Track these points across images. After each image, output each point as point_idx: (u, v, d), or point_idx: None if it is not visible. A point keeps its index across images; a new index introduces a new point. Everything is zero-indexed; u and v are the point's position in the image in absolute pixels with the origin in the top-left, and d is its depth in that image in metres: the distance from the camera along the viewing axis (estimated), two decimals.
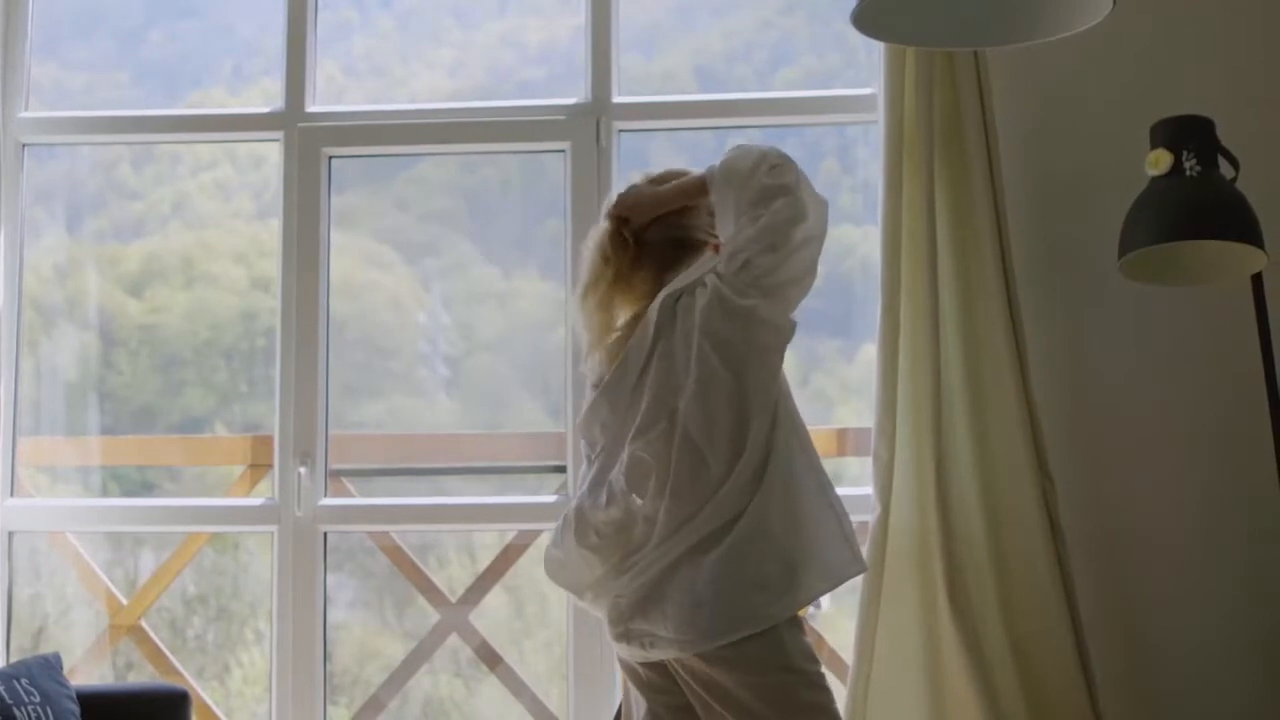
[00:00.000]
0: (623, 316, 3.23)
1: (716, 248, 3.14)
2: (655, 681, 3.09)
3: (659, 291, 3.14)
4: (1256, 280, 3.53)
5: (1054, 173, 3.97)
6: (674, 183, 3.25)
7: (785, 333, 3.08)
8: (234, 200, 4.63)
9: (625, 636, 3.05)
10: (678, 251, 3.22)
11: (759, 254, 2.99)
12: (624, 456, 3.07)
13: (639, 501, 3.05)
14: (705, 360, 3.02)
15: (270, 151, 4.41)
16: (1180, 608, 3.80)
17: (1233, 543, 3.80)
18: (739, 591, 2.92)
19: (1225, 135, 3.48)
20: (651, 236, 3.24)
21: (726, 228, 3.09)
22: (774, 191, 3.02)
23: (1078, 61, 3.88)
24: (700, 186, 3.18)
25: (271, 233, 4.33)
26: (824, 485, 3.08)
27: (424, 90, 4.60)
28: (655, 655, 3.02)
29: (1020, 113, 3.93)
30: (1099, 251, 3.76)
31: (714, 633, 2.92)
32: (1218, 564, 3.80)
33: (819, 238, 3.06)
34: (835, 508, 3.07)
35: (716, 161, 3.16)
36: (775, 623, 2.93)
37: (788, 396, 3.11)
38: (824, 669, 3.02)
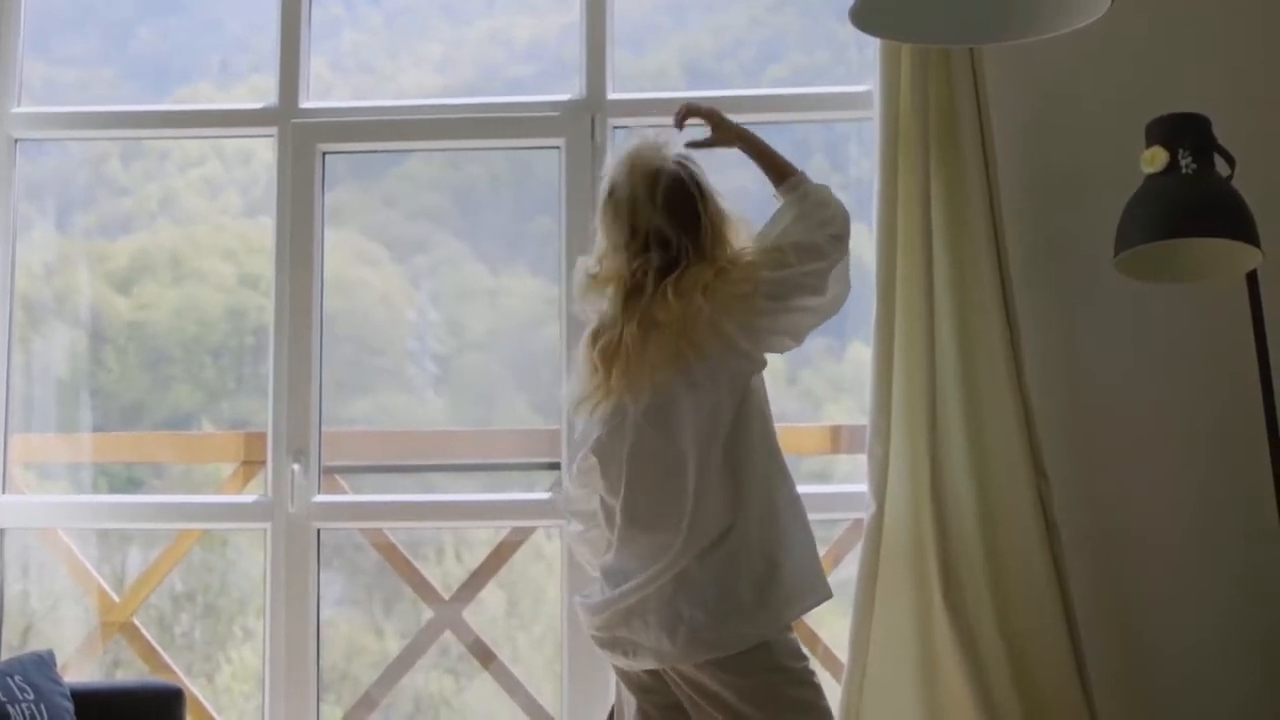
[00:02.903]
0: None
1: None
2: (645, 682, 3.11)
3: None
4: (1252, 278, 3.54)
5: (1050, 170, 3.97)
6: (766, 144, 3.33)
7: (755, 363, 3.12)
8: (222, 197, 4.61)
9: (610, 644, 3.07)
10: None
11: (763, 297, 3.03)
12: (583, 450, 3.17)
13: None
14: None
15: (258, 147, 4.39)
16: (1176, 606, 3.81)
17: (1228, 542, 3.80)
18: (719, 612, 2.95)
19: (1221, 133, 3.49)
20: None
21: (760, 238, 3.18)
22: (820, 253, 3.09)
23: (1074, 58, 3.88)
24: (783, 171, 3.27)
25: (260, 229, 4.31)
26: (799, 508, 3.12)
27: (411, 86, 4.59)
28: (638, 665, 3.04)
29: (1016, 109, 3.93)
30: (1094, 249, 3.76)
31: (692, 651, 2.94)
32: (1213, 563, 3.81)
33: (823, 316, 3.19)
34: (808, 529, 3.11)
35: (807, 176, 3.27)
36: (755, 643, 2.95)
37: (765, 417, 3.13)
38: (816, 664, 3.04)
